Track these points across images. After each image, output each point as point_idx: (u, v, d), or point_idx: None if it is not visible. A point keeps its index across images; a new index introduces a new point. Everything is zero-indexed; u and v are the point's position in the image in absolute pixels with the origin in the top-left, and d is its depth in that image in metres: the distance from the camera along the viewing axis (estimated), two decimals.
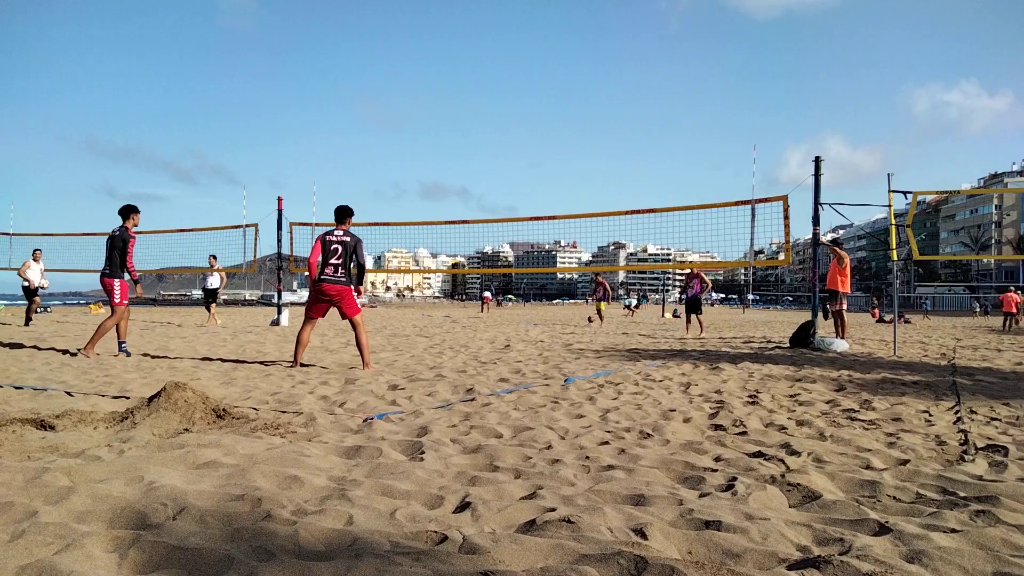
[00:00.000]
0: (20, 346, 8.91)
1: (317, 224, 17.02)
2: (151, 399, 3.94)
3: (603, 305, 20.59)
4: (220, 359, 7.78)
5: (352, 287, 7.18)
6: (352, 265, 7.16)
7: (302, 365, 7.14)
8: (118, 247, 8.02)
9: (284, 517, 2.27)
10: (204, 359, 7.75)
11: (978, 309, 48.12)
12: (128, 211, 8.22)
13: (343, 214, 7.31)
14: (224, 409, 4.03)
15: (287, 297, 18.03)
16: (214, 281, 17.38)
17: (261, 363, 7.41)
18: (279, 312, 16.19)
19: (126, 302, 8.18)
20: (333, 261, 7.05)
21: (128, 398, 4.82)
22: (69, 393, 5.05)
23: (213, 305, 17.19)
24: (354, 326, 7.12)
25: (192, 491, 2.52)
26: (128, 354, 8.01)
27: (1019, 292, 26.45)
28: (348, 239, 7.12)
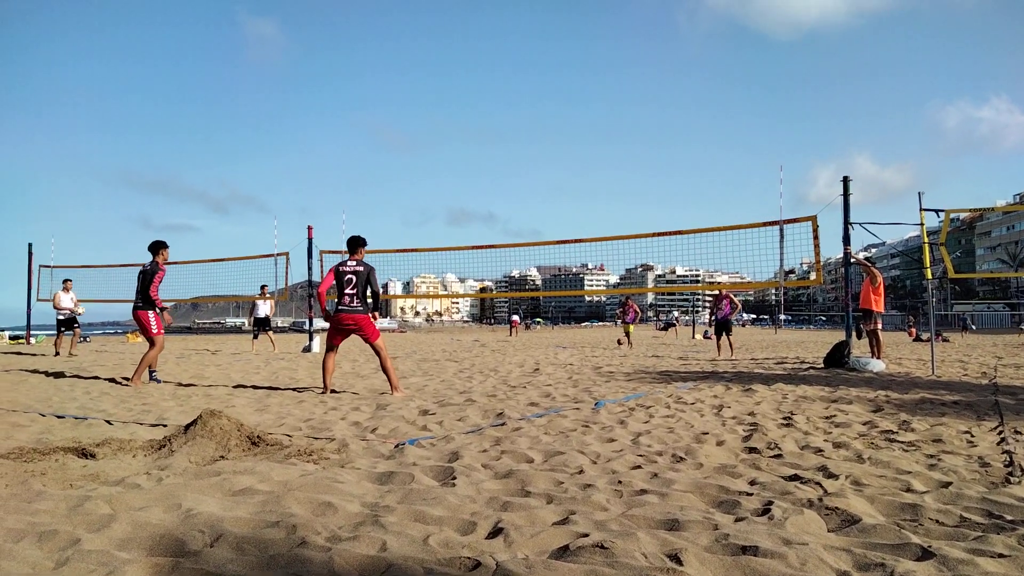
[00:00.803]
0: (61, 375, 9.13)
1: (346, 251, 17.22)
2: (187, 427, 4.01)
3: (631, 328, 20.54)
4: (254, 386, 7.88)
5: (369, 314, 7.29)
6: (368, 293, 7.27)
7: (333, 391, 7.23)
8: (148, 280, 8.28)
9: (319, 544, 2.29)
10: (238, 386, 7.85)
11: (1020, 324, 46.75)
12: (157, 247, 8.48)
13: (356, 244, 7.43)
14: (259, 436, 4.08)
15: (318, 324, 18.23)
16: (264, 309, 17.85)
17: (294, 390, 7.49)
18: (311, 339, 16.36)
19: (162, 332, 8.37)
20: (348, 291, 7.15)
21: (165, 426, 4.90)
22: (109, 422, 5.15)
23: (269, 332, 17.73)
24: (377, 351, 7.22)
25: (228, 518, 2.55)
26: (159, 382, 8.20)
27: None
28: (361, 268, 7.22)
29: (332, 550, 2.21)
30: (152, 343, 8.27)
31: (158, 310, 8.40)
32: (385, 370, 7.18)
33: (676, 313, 43.48)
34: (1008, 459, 3.72)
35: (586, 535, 2.39)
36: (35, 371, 9.83)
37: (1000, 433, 4.57)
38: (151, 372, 8.38)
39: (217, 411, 4.10)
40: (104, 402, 6.42)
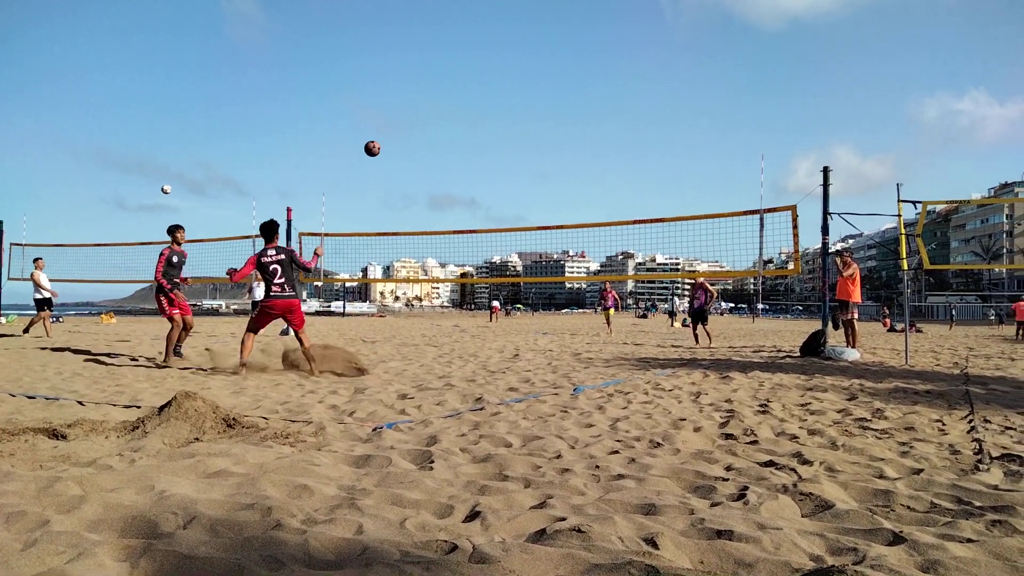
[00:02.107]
0: (33, 355, 8.97)
1: (326, 234, 17.10)
2: (162, 408, 3.95)
3: (611, 313, 20.57)
4: (230, 367, 7.80)
5: (299, 299, 7.40)
6: (296, 276, 7.36)
7: (243, 365, 7.24)
8: (157, 263, 8.61)
9: (294, 526, 2.27)
10: (214, 368, 7.77)
11: (993, 317, 47.66)
12: (169, 230, 8.90)
13: (272, 230, 7.41)
14: (234, 418, 4.04)
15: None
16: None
17: (271, 372, 7.43)
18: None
19: (177, 310, 8.54)
20: (277, 281, 7.22)
21: (139, 407, 4.84)
22: (81, 403, 5.07)
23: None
24: (300, 339, 7.35)
25: (203, 500, 2.52)
26: (180, 356, 8.55)
27: None
28: (283, 256, 7.27)
29: (307, 533, 2.19)
30: (171, 322, 8.53)
31: (165, 291, 8.55)
32: (307, 356, 7.26)
33: (674, 300, 43.64)
34: (977, 447, 3.79)
35: (563, 519, 2.39)
36: (6, 350, 9.64)
37: (970, 422, 4.65)
38: (177, 347, 8.58)
39: (192, 393, 4.05)
40: (76, 383, 6.32)
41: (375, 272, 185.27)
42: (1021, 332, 22.51)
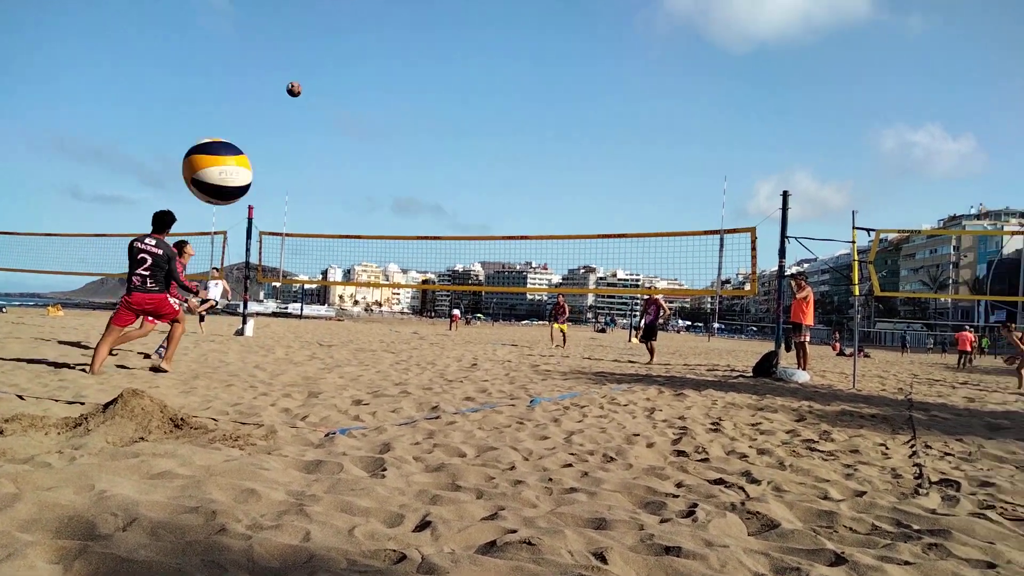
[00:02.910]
0: None
1: (288, 235, 16.88)
2: (107, 406, 3.83)
3: (565, 327, 19.65)
4: (181, 368, 7.61)
5: (166, 294, 6.85)
6: (166, 278, 6.79)
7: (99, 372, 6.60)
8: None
9: (239, 531, 2.22)
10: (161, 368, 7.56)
11: (932, 345, 49.28)
12: (177, 246, 8.43)
13: (163, 221, 6.87)
14: (182, 418, 3.94)
15: (253, 307, 17.80)
16: (216, 291, 16.99)
17: (223, 373, 7.27)
18: (244, 322, 15.93)
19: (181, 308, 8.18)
20: (141, 271, 6.64)
21: (83, 404, 4.68)
22: (21, 397, 4.89)
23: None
24: (172, 330, 7.01)
25: (144, 502, 2.45)
26: (160, 355, 8.14)
27: (974, 331, 27.28)
28: (160, 251, 6.68)
29: (253, 538, 2.15)
30: (177, 322, 8.33)
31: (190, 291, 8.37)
32: (170, 339, 6.99)
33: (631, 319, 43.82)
34: (918, 472, 3.90)
35: (514, 531, 2.39)
36: None
37: (912, 447, 4.79)
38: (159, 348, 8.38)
39: (139, 391, 3.94)
40: (17, 376, 6.10)
41: (336, 275, 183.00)
42: (962, 361, 23.30)
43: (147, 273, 6.67)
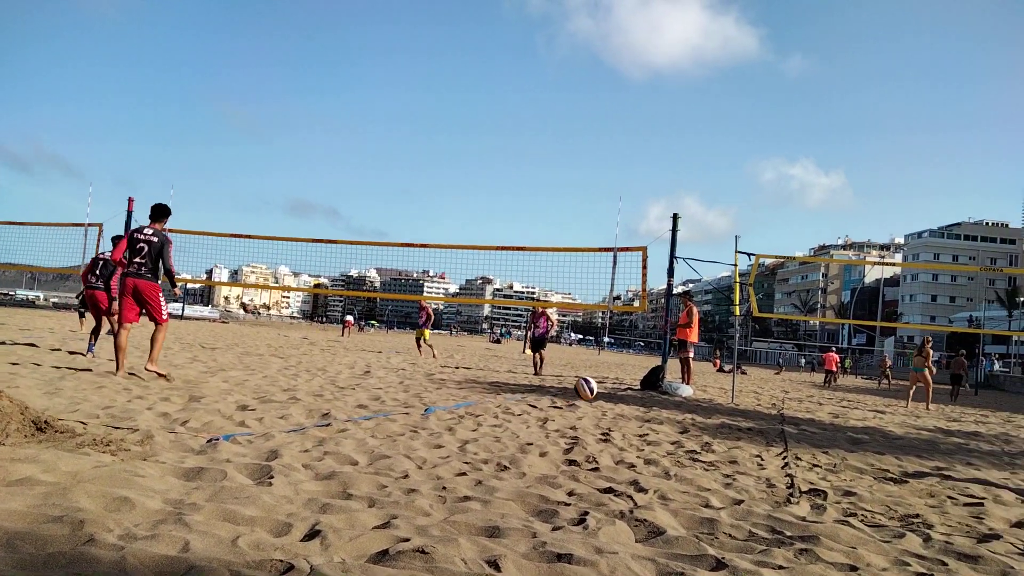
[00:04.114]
0: None
1: (171, 230, 15.94)
2: None
3: (427, 333, 18.58)
4: (47, 366, 7.02)
5: (158, 283, 7.10)
6: (159, 265, 7.07)
7: (131, 373, 6.89)
8: None
9: (109, 542, 2.07)
10: (27, 364, 6.96)
11: (803, 363, 52.91)
12: (114, 239, 8.51)
13: (160, 213, 7.24)
14: (46, 421, 3.63)
15: None
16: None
17: (93, 372, 6.76)
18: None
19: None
20: (138, 259, 6.97)
21: None
22: None
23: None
24: (156, 332, 7.04)
25: (1, 511, 2.24)
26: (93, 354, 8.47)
27: (839, 352, 29.60)
28: (156, 239, 7.04)
29: (125, 549, 2.00)
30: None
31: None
32: (153, 341, 6.93)
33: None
34: (790, 481, 4.17)
35: (407, 540, 2.35)
36: None
37: (784, 458, 5.11)
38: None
39: None
40: None
41: (221, 275, 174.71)
42: (828, 379, 25.11)
43: (143, 261, 6.96)
